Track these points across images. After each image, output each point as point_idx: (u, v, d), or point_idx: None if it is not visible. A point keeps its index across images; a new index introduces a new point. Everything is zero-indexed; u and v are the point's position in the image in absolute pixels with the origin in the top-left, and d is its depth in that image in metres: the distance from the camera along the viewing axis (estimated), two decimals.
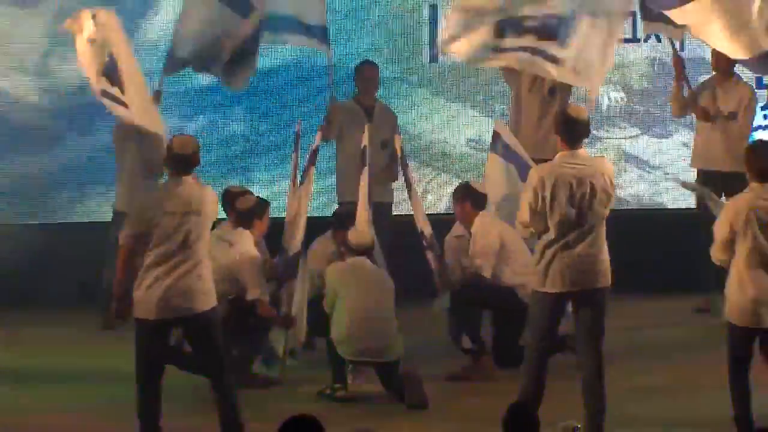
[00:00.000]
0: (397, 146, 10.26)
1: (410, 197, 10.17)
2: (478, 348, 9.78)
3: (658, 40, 12.48)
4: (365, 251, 9.47)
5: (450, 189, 12.04)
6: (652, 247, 11.75)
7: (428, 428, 8.31)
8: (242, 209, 9.62)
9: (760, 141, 8.80)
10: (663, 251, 11.48)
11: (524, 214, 8.14)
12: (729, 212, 8.14)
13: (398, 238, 10.82)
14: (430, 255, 9.88)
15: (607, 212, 8.12)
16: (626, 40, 12.51)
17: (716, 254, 8.22)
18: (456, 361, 9.82)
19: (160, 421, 8.03)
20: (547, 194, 7.98)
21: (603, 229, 8.11)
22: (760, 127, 12.45)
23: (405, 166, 10.20)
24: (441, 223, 10.61)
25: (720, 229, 8.15)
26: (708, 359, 8.52)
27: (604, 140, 12.60)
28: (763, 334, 8.18)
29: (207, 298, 8.02)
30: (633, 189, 12.56)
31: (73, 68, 11.98)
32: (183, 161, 8.06)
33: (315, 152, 9.97)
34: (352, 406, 9.08)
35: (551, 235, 8.03)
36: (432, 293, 9.96)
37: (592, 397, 8.11)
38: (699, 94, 11.13)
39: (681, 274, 10.59)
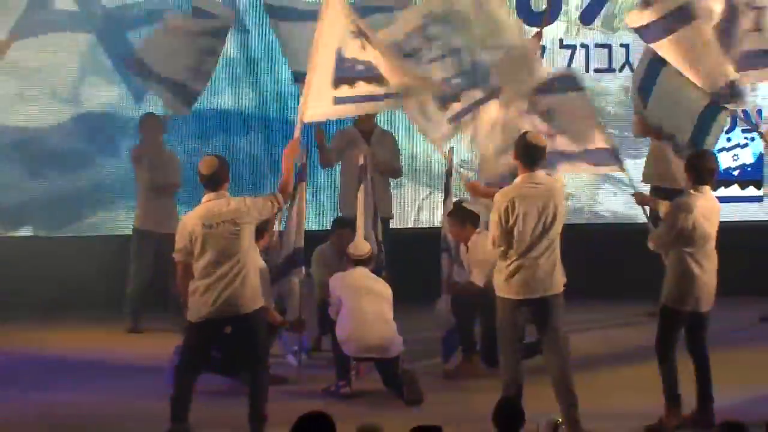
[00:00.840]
0: (449, 158, 10.15)
1: (444, 204, 10.18)
2: (469, 348, 9.86)
3: (631, 69, 12.54)
4: (364, 261, 9.55)
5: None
6: (626, 255, 11.79)
7: (425, 421, 8.30)
8: None
9: (698, 151, 9.01)
10: (636, 260, 11.52)
11: (495, 233, 8.18)
12: (675, 213, 8.39)
13: (399, 249, 10.87)
14: (445, 257, 9.95)
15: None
16: (602, 70, 12.60)
17: (659, 247, 8.54)
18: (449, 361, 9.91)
19: (189, 408, 8.10)
20: (520, 213, 8.06)
21: (559, 241, 8.24)
22: (723, 149, 12.55)
23: (449, 175, 10.17)
24: (436, 235, 10.67)
25: (667, 227, 8.42)
26: (681, 356, 8.60)
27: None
28: (696, 317, 8.47)
29: (253, 300, 8.15)
30: (609, 204, 12.62)
31: (101, 96, 12.14)
32: (208, 179, 8.20)
33: (303, 169, 9.94)
34: (355, 402, 9.11)
35: (516, 248, 8.12)
36: (434, 296, 10.01)
37: (563, 393, 8.19)
38: None
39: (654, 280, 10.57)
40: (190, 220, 8.15)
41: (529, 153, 8.23)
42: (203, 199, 8.21)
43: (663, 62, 9.69)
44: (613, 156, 9.34)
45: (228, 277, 8.02)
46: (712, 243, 8.49)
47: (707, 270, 8.46)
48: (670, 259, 8.48)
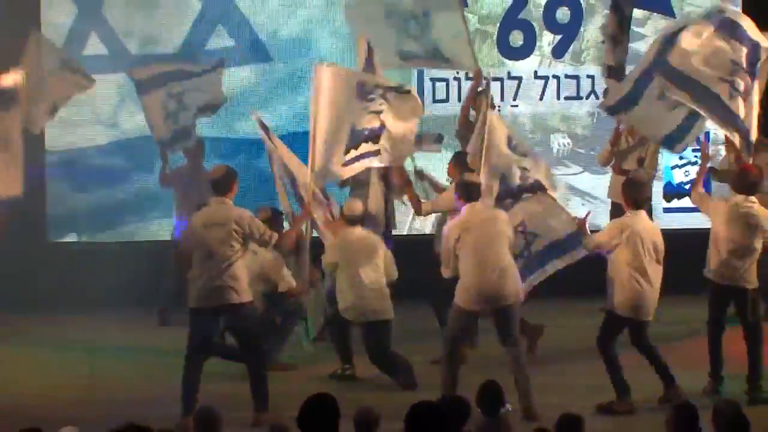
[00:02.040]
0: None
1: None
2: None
3: (596, 97, 12.62)
4: (358, 220, 9.47)
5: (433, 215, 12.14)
6: (590, 260, 11.79)
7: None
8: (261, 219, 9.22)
9: (633, 178, 9.09)
10: (599, 264, 11.57)
11: (447, 260, 8.50)
12: (614, 229, 8.55)
13: (395, 253, 10.83)
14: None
15: (511, 248, 8.51)
16: (571, 98, 12.66)
17: (598, 246, 8.67)
18: (437, 350, 9.92)
19: (198, 389, 8.21)
20: (461, 239, 8.33)
21: (511, 260, 8.43)
22: (676, 165, 12.61)
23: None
24: (425, 242, 10.71)
25: (604, 241, 8.56)
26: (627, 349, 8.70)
27: (554, 176, 12.67)
28: (637, 323, 8.55)
29: (239, 294, 8.23)
30: (577, 214, 12.59)
31: (137, 120, 12.11)
32: (215, 184, 8.35)
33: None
34: (356, 385, 9.18)
35: (465, 267, 8.33)
36: (426, 296, 9.97)
37: (519, 382, 8.35)
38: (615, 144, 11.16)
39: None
40: (194, 218, 8.39)
41: (468, 190, 8.48)
42: (210, 201, 8.38)
43: (651, 78, 9.51)
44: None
45: (216, 271, 8.14)
46: (654, 259, 8.52)
47: (650, 282, 8.50)
48: (616, 270, 8.54)
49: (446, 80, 12.25)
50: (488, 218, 8.50)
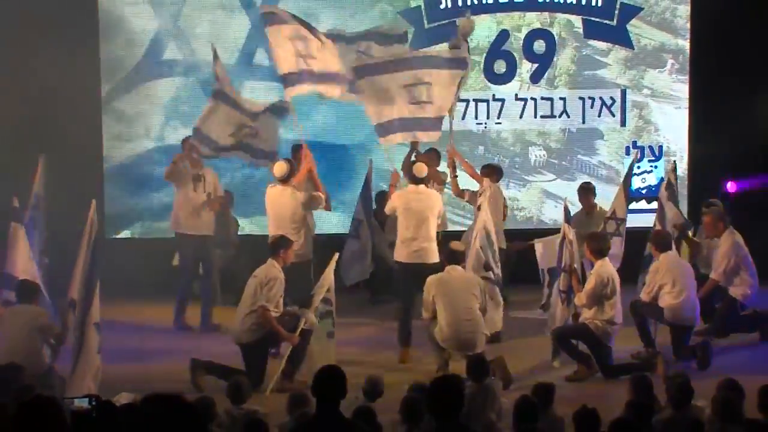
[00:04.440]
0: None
1: None
2: None
3: (568, 116, 12.59)
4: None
5: None
6: None
7: (416, 377, 8.28)
8: (269, 243, 8.79)
9: (598, 235, 9.00)
10: None
11: (425, 305, 8.52)
12: (600, 282, 8.42)
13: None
14: None
15: (480, 306, 8.45)
16: (546, 116, 12.62)
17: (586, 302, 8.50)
18: None
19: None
20: (436, 292, 8.39)
21: (479, 314, 8.40)
22: (634, 174, 12.51)
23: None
24: None
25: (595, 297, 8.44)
26: None
27: (532, 183, 12.68)
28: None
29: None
30: (551, 215, 12.66)
31: (179, 135, 12.04)
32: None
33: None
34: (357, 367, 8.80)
35: (447, 319, 8.34)
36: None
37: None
38: None
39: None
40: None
41: (452, 255, 8.53)
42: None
43: None
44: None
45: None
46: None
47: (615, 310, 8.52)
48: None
49: None
50: (463, 279, 8.46)
